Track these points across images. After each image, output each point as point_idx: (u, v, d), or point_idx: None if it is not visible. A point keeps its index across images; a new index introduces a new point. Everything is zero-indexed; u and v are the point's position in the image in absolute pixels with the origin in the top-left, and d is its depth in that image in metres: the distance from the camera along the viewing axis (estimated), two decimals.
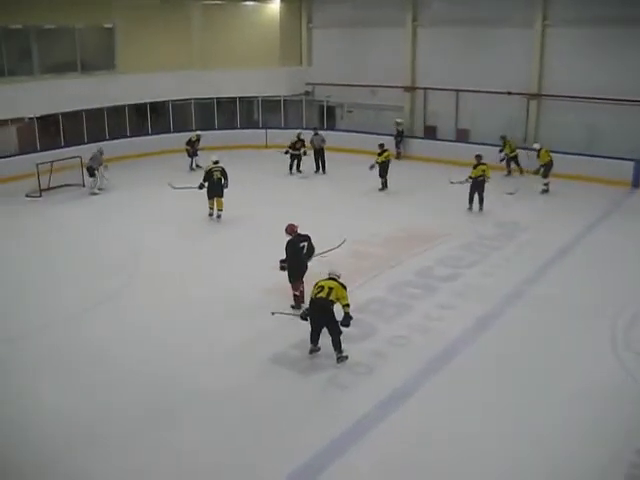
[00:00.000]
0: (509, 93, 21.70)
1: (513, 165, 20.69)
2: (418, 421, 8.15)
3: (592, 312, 11.07)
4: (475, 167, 16.77)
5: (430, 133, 24.03)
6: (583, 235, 15.10)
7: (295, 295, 11.04)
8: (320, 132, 21.80)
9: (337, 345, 9.33)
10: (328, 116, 26.39)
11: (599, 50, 20.00)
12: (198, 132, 21.90)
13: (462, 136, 23.05)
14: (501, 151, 20.51)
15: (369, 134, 23.54)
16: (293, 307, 10.94)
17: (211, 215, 16.27)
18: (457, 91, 22.94)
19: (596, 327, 10.58)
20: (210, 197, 16.15)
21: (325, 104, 26.27)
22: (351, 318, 9.26)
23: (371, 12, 24.46)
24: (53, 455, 7.57)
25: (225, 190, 16.07)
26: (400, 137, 23.41)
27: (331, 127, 25.66)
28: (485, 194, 16.77)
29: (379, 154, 18.75)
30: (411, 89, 24.35)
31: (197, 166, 21.16)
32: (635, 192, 18.89)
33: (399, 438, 7.81)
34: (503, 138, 20.60)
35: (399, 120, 23.53)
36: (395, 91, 24.48)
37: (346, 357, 9.39)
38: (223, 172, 16.09)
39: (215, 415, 8.29)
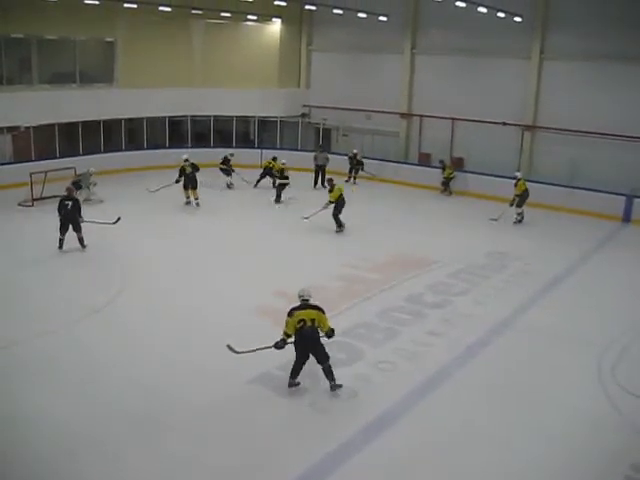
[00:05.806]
0: (504, 124, 21.91)
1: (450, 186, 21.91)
2: (401, 447, 8.04)
3: (581, 343, 11.05)
4: (331, 191, 16.96)
5: (424, 160, 24.15)
6: (574, 267, 15.13)
7: (80, 238, 14.67)
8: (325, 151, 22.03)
9: (329, 373, 9.08)
10: (324, 139, 26.50)
11: (595, 84, 20.26)
12: (231, 151, 22.04)
13: (456, 164, 23.10)
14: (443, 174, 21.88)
15: (364, 158, 23.63)
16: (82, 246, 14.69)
17: (188, 204, 18.93)
18: (453, 119, 23.13)
19: (584, 358, 10.54)
20: (185, 188, 18.85)
21: (321, 127, 26.41)
22: (333, 330, 9.07)
23: (370, 38, 24.72)
24: (43, 461, 7.49)
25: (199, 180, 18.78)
26: (359, 164, 23.20)
27: (326, 150, 25.72)
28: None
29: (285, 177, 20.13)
30: (407, 115, 24.53)
31: (231, 183, 21.48)
32: (626, 226, 19.00)
33: (382, 464, 7.71)
34: (442, 162, 22.02)
35: (355, 151, 23.29)
36: (391, 117, 24.67)
37: (340, 386, 9.13)
38: (193, 166, 18.70)
39: (196, 432, 8.17)
